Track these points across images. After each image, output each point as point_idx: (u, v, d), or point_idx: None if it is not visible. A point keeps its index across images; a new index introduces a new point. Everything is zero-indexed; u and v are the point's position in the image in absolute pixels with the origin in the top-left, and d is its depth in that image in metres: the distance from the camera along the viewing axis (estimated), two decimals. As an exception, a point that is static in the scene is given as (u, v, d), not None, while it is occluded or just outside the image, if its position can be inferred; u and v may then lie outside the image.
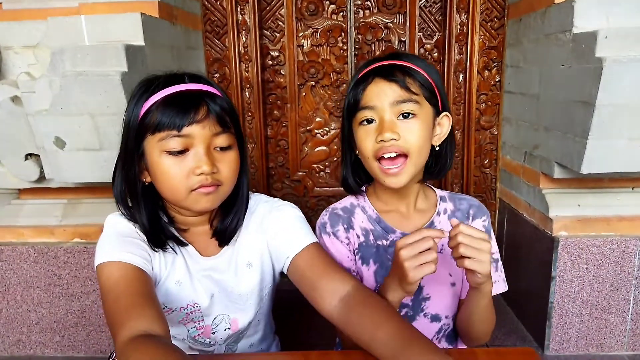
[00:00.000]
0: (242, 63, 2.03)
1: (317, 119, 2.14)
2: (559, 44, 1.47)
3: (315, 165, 2.19)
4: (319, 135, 2.16)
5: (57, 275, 1.67)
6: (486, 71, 1.99)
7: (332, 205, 1.02)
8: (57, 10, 1.51)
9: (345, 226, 0.97)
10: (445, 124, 0.93)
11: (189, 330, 0.95)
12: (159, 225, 0.88)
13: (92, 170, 1.43)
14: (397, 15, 2.03)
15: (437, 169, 0.96)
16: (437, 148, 0.93)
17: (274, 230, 0.95)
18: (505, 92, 1.99)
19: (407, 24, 2.03)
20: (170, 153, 0.80)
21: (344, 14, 2.03)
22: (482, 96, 2.02)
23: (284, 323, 1.25)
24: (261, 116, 2.08)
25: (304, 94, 2.12)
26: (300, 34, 2.05)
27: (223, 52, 2.03)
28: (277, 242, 0.94)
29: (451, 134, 0.95)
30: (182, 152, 0.80)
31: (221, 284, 0.93)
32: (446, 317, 0.99)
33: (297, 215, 0.97)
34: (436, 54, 2.06)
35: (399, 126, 0.85)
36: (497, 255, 0.99)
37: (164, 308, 0.89)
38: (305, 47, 2.06)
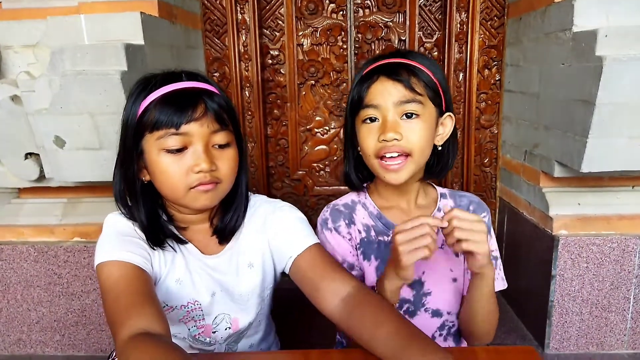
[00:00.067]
0: (242, 62, 2.03)
1: (317, 118, 2.14)
2: (559, 43, 1.47)
3: (315, 164, 2.19)
4: (319, 134, 2.16)
5: (57, 274, 1.67)
6: (486, 70, 1.99)
7: (333, 202, 1.03)
8: (56, 9, 1.51)
9: (346, 222, 0.98)
10: (448, 124, 0.93)
11: (189, 329, 0.95)
12: (158, 223, 0.88)
13: (92, 169, 1.43)
14: (397, 14, 2.02)
15: (439, 168, 0.96)
16: (439, 148, 0.93)
17: (276, 230, 0.95)
18: (505, 91, 1.99)
19: (407, 22, 2.02)
20: (169, 151, 0.80)
21: (344, 12, 2.03)
22: (482, 95, 2.02)
23: (284, 322, 1.25)
24: (261, 115, 2.08)
25: (303, 93, 2.11)
26: (300, 33, 2.05)
27: (223, 51, 2.03)
28: (279, 242, 0.94)
29: (454, 134, 0.95)
30: (180, 150, 0.80)
31: (222, 284, 0.93)
32: (448, 313, 0.99)
33: (299, 217, 0.97)
34: (436, 53, 2.05)
35: (402, 126, 0.85)
36: (496, 253, 1.00)
37: (164, 306, 0.89)
38: (305, 46, 2.06)
